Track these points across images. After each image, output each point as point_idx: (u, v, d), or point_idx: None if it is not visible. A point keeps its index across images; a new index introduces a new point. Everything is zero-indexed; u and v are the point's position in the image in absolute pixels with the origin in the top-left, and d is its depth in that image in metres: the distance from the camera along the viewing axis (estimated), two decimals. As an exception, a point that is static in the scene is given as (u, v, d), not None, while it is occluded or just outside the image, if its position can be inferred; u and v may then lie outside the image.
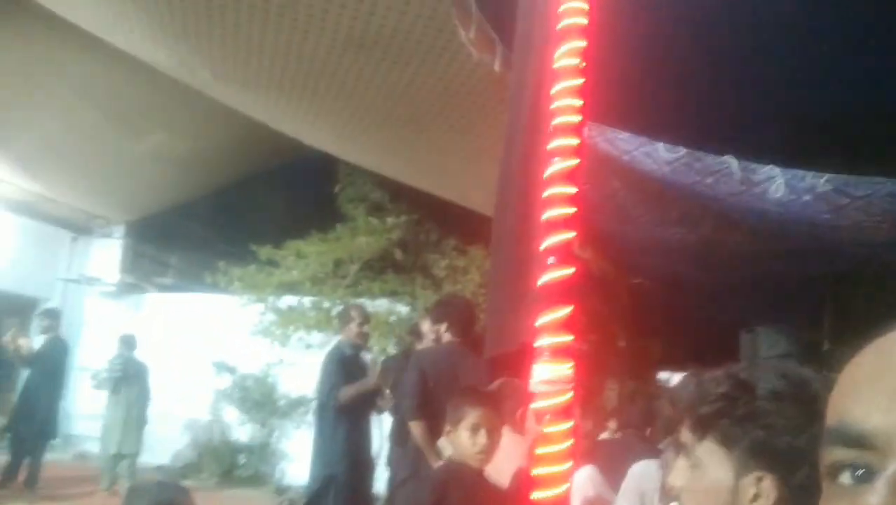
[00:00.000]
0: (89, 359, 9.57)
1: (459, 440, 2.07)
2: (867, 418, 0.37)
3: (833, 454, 0.39)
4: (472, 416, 2.05)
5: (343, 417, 4.34)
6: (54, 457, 7.87)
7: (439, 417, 3.51)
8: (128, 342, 7.73)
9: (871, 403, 0.37)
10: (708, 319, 5.93)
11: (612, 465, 2.98)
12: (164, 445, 9.07)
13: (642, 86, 3.91)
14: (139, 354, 7.67)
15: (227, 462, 8.12)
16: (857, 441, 0.38)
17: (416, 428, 3.58)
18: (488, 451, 2.07)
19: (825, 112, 3.60)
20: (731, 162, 3.59)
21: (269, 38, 3.97)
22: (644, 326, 6.22)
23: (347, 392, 4.29)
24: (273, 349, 8.33)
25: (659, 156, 3.87)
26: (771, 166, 3.51)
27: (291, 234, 8.27)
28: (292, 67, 4.30)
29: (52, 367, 7.19)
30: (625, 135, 3.96)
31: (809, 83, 3.83)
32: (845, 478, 0.39)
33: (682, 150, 3.73)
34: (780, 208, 3.73)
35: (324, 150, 6.61)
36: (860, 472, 0.38)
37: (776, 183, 3.56)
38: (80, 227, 10.21)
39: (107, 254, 10.25)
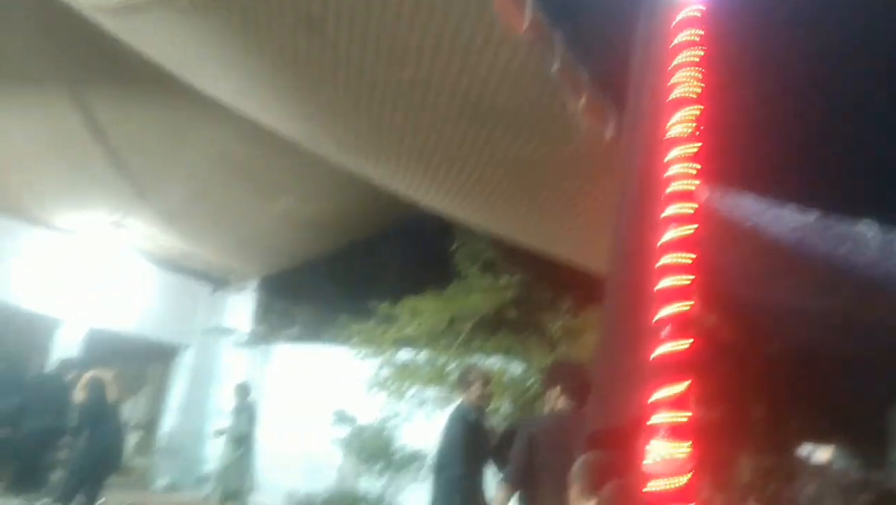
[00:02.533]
0: (224, 402, 10.22)
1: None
2: None
3: None
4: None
5: (464, 481, 4.30)
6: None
7: (546, 486, 3.43)
8: (243, 391, 8.30)
9: None
10: (852, 392, 5.43)
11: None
12: (283, 489, 9.41)
13: (768, 147, 3.76)
14: (252, 401, 8.32)
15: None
16: None
17: (501, 491, 3.56)
18: None
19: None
20: (869, 229, 3.33)
21: (390, 112, 4.19)
22: (781, 398, 5.77)
23: (472, 456, 4.23)
24: (389, 403, 8.49)
25: (787, 221, 3.66)
26: (917, 235, 3.24)
27: (409, 291, 8.50)
28: (410, 139, 4.50)
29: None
30: (750, 198, 3.79)
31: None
32: None
33: (813, 215, 3.51)
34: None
35: (441, 211, 6.80)
36: None
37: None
38: (218, 281, 11.02)
39: (241, 306, 10.98)
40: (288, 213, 9.01)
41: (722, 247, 3.81)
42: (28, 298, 8.34)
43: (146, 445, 10.68)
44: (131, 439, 10.88)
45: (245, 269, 10.81)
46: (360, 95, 4.09)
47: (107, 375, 6.56)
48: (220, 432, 8.55)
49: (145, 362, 10.85)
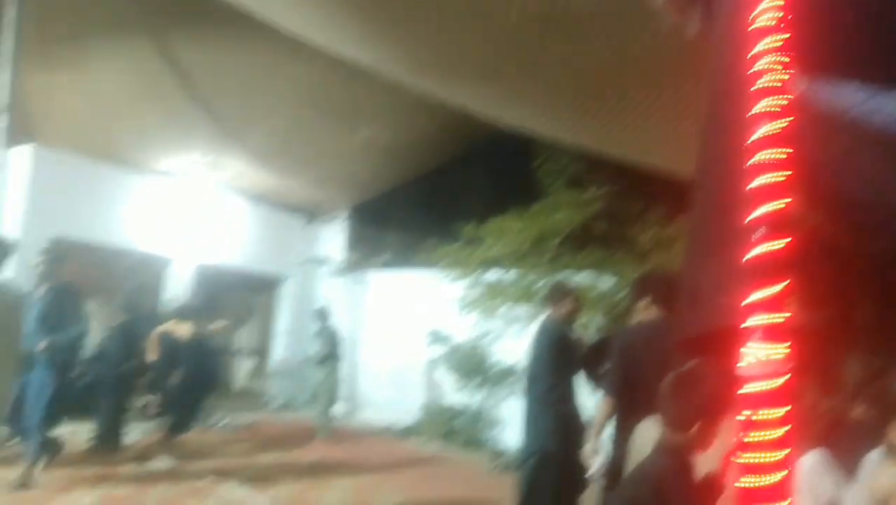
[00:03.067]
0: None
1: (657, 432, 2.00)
2: None
3: None
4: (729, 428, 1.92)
5: (555, 392, 4.38)
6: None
7: (640, 396, 3.45)
8: (322, 315, 8.91)
9: None
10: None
11: (852, 449, 2.73)
12: (385, 407, 9.95)
13: (868, 31, 3.42)
14: (331, 323, 8.84)
15: (444, 426, 8.66)
16: None
17: (603, 404, 3.59)
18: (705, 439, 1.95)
19: None
20: None
21: (460, 25, 4.10)
22: (890, 297, 5.46)
23: (562, 370, 4.27)
24: (481, 322, 8.69)
25: (891, 108, 3.38)
26: None
27: (494, 211, 8.51)
28: (482, 53, 4.39)
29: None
30: (848, 87, 3.51)
31: None
32: None
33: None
34: None
35: (521, 129, 6.68)
36: None
37: None
38: (311, 213, 11.42)
39: (334, 236, 11.38)
40: (372, 141, 9.12)
41: (822, 141, 3.57)
42: (138, 240, 8.93)
43: (259, 370, 11.48)
44: (245, 366, 11.74)
45: (335, 199, 11.13)
46: (428, 11, 4.01)
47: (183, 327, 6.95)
48: (308, 358, 9.14)
49: (251, 294, 11.52)
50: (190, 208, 9.57)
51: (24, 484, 4.82)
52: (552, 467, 4.32)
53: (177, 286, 9.28)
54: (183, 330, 6.85)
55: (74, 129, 8.95)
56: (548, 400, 4.38)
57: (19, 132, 7.07)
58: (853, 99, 3.39)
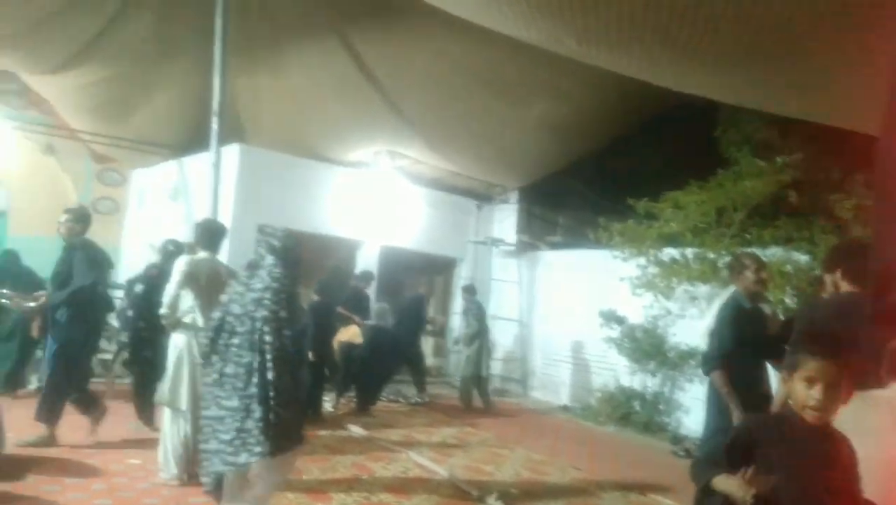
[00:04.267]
0: (498, 308, 11.02)
1: (794, 390, 1.89)
2: None
3: None
4: (808, 367, 1.84)
5: (735, 367, 4.12)
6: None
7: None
8: (468, 292, 9.39)
9: None
10: None
11: None
12: (562, 387, 9.96)
13: None
14: (478, 300, 9.39)
15: (622, 408, 8.50)
16: None
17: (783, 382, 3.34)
18: (825, 407, 1.83)
19: None
20: None
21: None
22: None
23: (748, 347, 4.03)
24: (658, 301, 8.37)
25: None
26: None
27: (670, 186, 8.13)
28: (652, 17, 4.23)
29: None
30: None
31: None
32: None
33: None
34: None
35: (699, 96, 6.32)
36: None
37: None
38: (483, 196, 11.69)
39: (506, 218, 11.57)
40: (542, 119, 9.12)
41: None
42: (332, 226, 9.72)
43: (440, 347, 12.01)
44: (428, 344, 12.34)
45: (507, 181, 11.29)
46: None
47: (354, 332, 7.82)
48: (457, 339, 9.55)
49: (430, 275, 12.05)
50: (375, 196, 10.22)
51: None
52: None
53: (365, 265, 9.98)
54: (356, 338, 7.72)
55: (274, 128, 9.97)
56: (730, 376, 4.12)
57: (228, 132, 8.02)
58: None
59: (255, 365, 3.41)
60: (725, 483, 1.80)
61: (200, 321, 4.45)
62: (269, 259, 3.60)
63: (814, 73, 4.34)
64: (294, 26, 8.30)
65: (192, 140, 9.85)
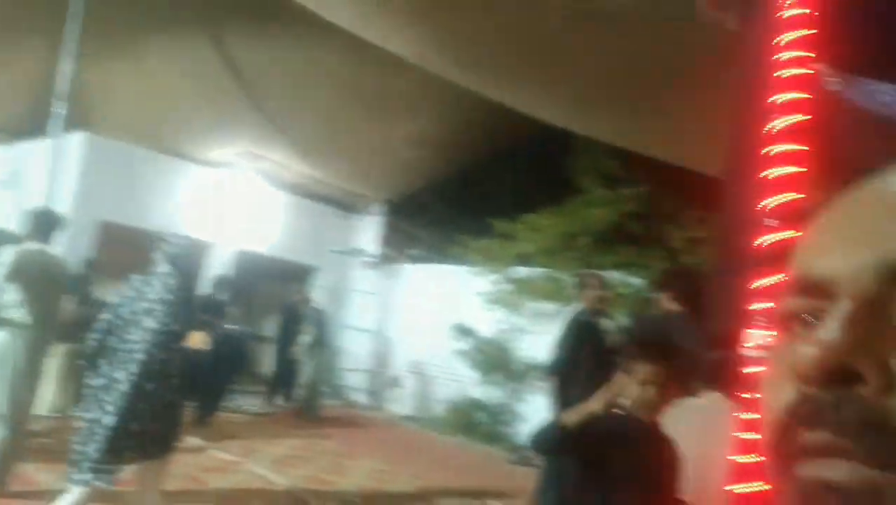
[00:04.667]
0: (355, 318, 10.98)
1: (630, 392, 2.14)
2: (823, 265, 0.38)
3: (789, 305, 0.40)
4: (643, 371, 2.10)
5: (575, 381, 4.42)
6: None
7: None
8: (305, 299, 9.48)
9: (830, 251, 0.38)
10: None
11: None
12: (412, 399, 10.07)
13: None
14: (318, 309, 9.35)
15: (467, 418, 8.75)
16: (812, 287, 0.38)
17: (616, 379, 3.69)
18: (656, 407, 2.10)
19: None
20: None
21: (500, 20, 4.19)
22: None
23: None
24: (508, 317, 8.75)
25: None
26: None
27: (528, 208, 8.56)
28: (522, 46, 4.48)
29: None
30: (885, 87, 3.51)
31: None
32: (796, 327, 0.39)
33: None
34: None
35: (558, 125, 6.73)
36: (810, 319, 0.38)
37: None
38: (347, 206, 11.63)
39: (369, 229, 11.58)
40: (410, 136, 9.27)
41: (852, 139, 3.57)
42: (183, 226, 9.21)
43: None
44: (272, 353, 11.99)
45: (372, 193, 11.32)
46: (478, 5, 4.11)
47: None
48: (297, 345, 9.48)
49: (284, 283, 11.76)
50: (231, 198, 9.84)
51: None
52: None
53: (218, 269, 9.54)
54: (201, 343, 7.34)
55: (127, 119, 9.31)
56: (569, 389, 4.42)
57: (75, 119, 7.41)
58: (890, 97, 3.39)
59: (138, 375, 3.34)
60: (574, 412, 2.03)
61: (28, 318, 4.06)
62: (165, 268, 3.50)
63: (663, 117, 4.78)
64: (160, 14, 7.86)
65: (34, 125, 8.98)
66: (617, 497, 1.96)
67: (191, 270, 3.62)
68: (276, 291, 11.13)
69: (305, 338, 9.09)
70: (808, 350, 0.35)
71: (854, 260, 0.36)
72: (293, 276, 11.49)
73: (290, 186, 10.87)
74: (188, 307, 3.65)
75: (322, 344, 9.01)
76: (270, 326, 11.62)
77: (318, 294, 11.19)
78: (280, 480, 5.33)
